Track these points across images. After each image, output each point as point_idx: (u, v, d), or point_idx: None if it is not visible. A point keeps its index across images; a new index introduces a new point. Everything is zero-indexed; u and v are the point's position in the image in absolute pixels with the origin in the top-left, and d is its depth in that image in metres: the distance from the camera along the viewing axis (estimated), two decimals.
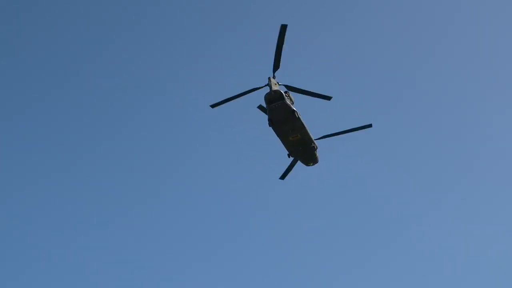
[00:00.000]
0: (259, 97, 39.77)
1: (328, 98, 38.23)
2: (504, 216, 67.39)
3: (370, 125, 39.90)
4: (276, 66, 36.83)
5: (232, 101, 38.39)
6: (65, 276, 63.99)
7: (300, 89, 37.98)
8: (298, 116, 37.71)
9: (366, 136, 64.66)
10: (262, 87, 37.63)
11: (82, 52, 74.87)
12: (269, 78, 37.20)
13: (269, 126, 37.99)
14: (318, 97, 38.23)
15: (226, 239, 67.43)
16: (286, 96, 37.44)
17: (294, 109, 37.50)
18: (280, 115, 37.25)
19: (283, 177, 42.84)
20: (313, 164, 40.88)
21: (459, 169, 71.39)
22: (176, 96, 74.63)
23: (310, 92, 38.03)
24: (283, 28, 35.34)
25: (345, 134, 40.33)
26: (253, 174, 68.81)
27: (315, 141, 39.75)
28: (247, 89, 37.88)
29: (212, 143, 70.27)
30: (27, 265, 64.82)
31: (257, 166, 67.10)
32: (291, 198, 66.65)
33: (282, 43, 35.81)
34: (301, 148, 39.36)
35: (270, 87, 37.12)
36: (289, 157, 39.98)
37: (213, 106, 38.70)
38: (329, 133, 40.58)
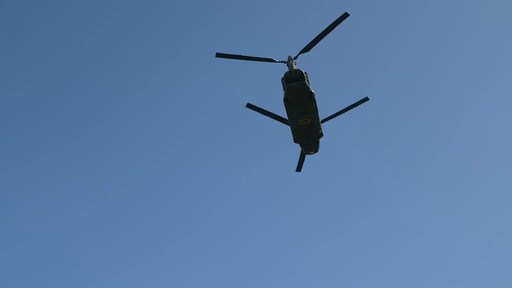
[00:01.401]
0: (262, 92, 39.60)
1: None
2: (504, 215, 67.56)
3: (366, 99, 39.17)
4: (306, 49, 37.04)
5: (240, 59, 37.55)
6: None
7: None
8: (315, 99, 37.72)
9: (367, 134, 64.65)
10: (277, 61, 37.55)
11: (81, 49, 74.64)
12: (289, 57, 37.28)
13: (284, 103, 37.87)
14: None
15: (224, 237, 67.27)
16: (306, 77, 37.43)
17: (312, 91, 37.62)
18: (298, 95, 37.27)
19: (298, 169, 42.57)
20: (313, 153, 40.92)
21: (458, 167, 71.43)
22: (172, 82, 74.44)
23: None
24: (345, 16, 35.90)
25: (344, 112, 39.76)
26: (253, 171, 68.65)
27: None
28: (262, 57, 37.52)
29: (212, 138, 70.08)
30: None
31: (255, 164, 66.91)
32: (289, 194, 66.54)
33: (332, 29, 36.28)
34: (308, 134, 39.35)
35: (291, 66, 37.20)
36: (295, 142, 39.92)
37: (218, 55, 37.19)
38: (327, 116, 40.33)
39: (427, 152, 71.34)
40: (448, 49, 74.80)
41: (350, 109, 39.69)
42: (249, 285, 64.21)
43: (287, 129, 40.75)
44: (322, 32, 36.83)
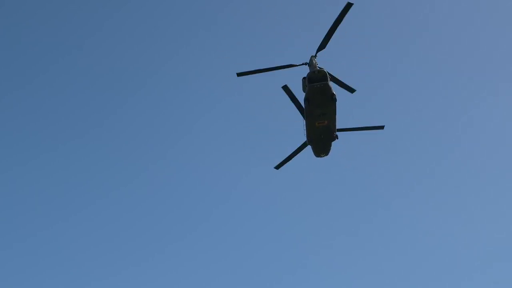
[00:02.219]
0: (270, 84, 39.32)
1: (351, 90, 38.12)
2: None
3: (382, 127, 39.46)
4: (322, 46, 36.83)
5: (262, 73, 37.77)
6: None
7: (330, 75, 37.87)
8: (336, 100, 37.63)
9: (368, 134, 64.59)
10: (298, 65, 37.40)
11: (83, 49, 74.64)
12: (312, 57, 37.13)
13: (304, 103, 37.62)
14: (343, 87, 38.12)
15: (223, 237, 67.29)
16: (329, 77, 37.28)
17: (334, 92, 37.29)
18: (320, 96, 36.99)
19: (278, 166, 42.61)
20: (324, 156, 40.70)
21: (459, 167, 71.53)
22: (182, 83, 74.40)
23: (337, 80, 37.82)
24: (348, 5, 35.16)
25: (356, 131, 40.09)
26: (252, 170, 68.71)
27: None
28: (282, 64, 37.51)
29: (216, 137, 70.11)
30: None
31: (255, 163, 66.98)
32: (289, 194, 66.56)
33: (340, 21, 35.53)
34: (323, 136, 39.02)
35: (314, 66, 37.00)
36: (309, 143, 39.65)
37: (239, 74, 37.59)
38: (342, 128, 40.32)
39: (428, 152, 71.42)
40: (449, 49, 74.83)
41: (364, 130, 39.88)
42: (249, 285, 64.22)
43: (287, 130, 40.79)
44: (331, 27, 36.58)
